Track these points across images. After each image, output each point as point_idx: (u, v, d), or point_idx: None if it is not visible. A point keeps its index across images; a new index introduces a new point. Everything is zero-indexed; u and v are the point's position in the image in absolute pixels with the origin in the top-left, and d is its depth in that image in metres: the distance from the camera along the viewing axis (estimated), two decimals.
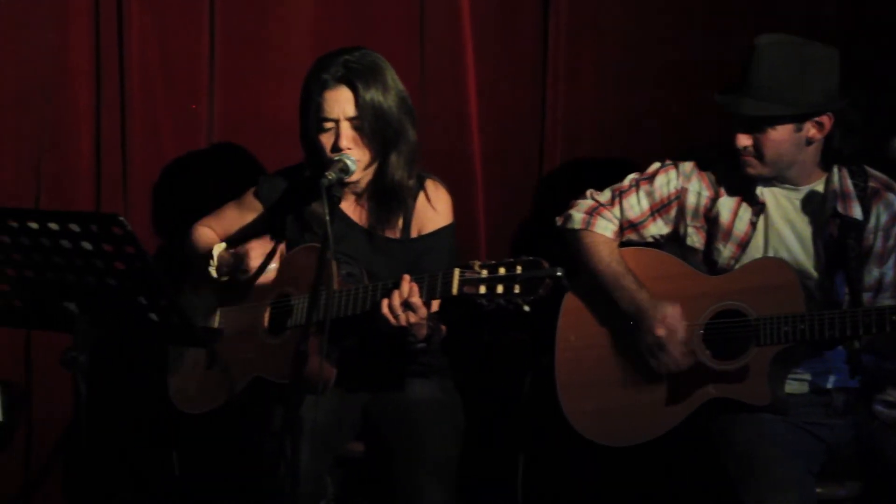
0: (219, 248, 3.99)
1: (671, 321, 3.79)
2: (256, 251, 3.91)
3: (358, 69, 3.79)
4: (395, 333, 3.64)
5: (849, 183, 3.82)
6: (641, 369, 3.90)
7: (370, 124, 3.79)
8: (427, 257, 3.88)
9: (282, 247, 3.91)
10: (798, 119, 3.74)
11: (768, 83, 3.72)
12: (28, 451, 4.54)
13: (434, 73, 4.56)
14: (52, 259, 3.18)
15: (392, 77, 3.85)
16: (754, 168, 3.80)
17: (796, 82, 3.71)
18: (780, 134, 3.74)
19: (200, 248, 4.10)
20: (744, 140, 3.77)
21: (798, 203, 3.86)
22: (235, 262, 3.93)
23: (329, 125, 3.81)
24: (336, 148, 3.79)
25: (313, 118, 3.83)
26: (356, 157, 3.78)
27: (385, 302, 3.59)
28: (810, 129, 3.75)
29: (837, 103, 3.75)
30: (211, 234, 4.13)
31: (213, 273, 3.97)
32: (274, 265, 3.90)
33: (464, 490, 3.90)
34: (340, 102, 3.78)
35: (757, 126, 3.74)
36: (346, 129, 3.79)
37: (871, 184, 3.82)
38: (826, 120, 3.75)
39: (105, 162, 4.54)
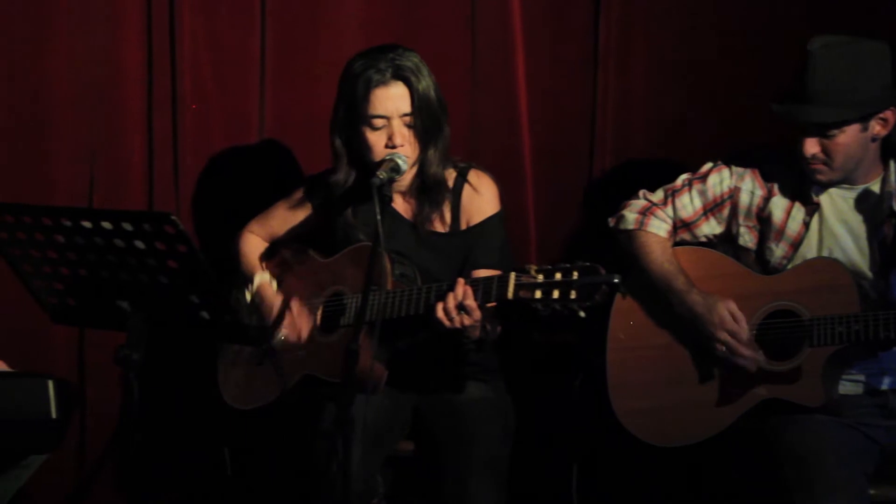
0: (262, 279, 4.01)
1: (730, 325, 3.77)
2: (290, 323, 3.92)
3: (408, 66, 3.79)
4: (450, 335, 3.63)
5: None
6: (693, 369, 3.88)
7: (422, 120, 3.79)
8: (478, 249, 3.88)
9: (308, 326, 3.92)
10: (864, 118, 3.69)
11: (828, 87, 3.67)
12: (82, 447, 4.61)
13: (485, 72, 4.56)
14: (106, 258, 3.19)
15: (429, 71, 3.85)
16: (824, 175, 3.76)
17: (855, 82, 3.67)
18: (848, 136, 3.70)
19: (244, 263, 4.13)
20: (812, 147, 3.72)
21: (853, 202, 3.82)
22: (266, 312, 3.96)
23: (380, 122, 3.79)
24: (389, 145, 3.78)
25: (361, 117, 3.81)
26: (407, 155, 3.78)
27: (440, 305, 3.58)
28: (875, 127, 3.72)
29: None
30: (257, 246, 4.15)
31: (248, 298, 3.99)
32: (298, 347, 3.91)
33: (515, 491, 3.91)
34: (394, 99, 3.77)
35: (823, 132, 3.70)
36: (399, 126, 3.78)
37: None
38: (890, 115, 3.71)
39: (157, 161, 4.58)
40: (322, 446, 3.75)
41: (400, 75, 3.77)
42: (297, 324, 3.92)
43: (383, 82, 3.77)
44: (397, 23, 4.53)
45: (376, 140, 3.80)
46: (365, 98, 3.79)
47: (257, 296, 4.00)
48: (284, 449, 4.20)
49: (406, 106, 3.77)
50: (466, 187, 3.92)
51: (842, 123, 3.68)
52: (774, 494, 3.67)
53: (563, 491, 4.14)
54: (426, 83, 3.79)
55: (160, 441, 4.39)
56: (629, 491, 4.34)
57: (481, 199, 3.92)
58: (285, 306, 3.94)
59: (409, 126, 3.79)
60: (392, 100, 3.77)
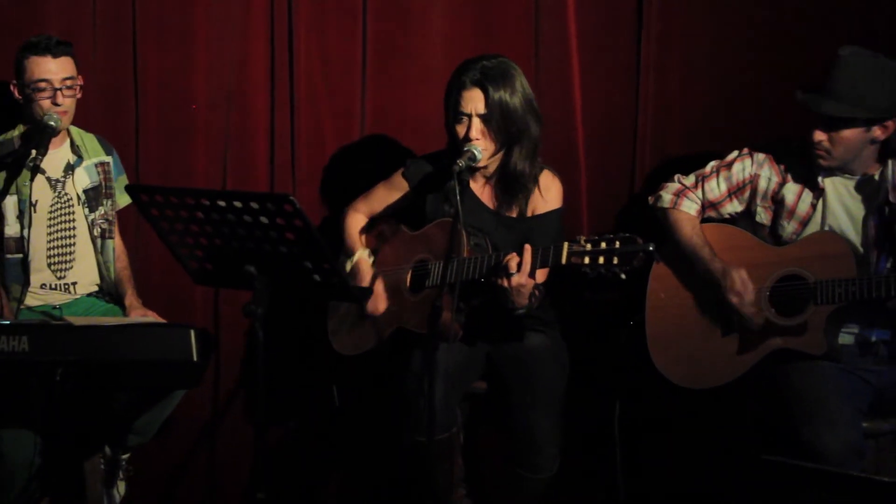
0: (361, 255, 4.07)
1: (739, 287, 3.82)
2: (379, 299, 3.97)
3: (491, 74, 3.85)
4: (500, 294, 3.69)
5: None
6: (718, 323, 3.91)
7: (497, 121, 3.85)
8: (537, 233, 3.92)
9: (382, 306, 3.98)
10: (868, 122, 3.71)
11: (848, 88, 3.67)
12: (216, 385, 4.65)
13: (546, 79, 4.54)
14: (237, 231, 3.26)
15: (521, 82, 3.89)
16: (825, 160, 3.78)
17: (872, 90, 3.67)
18: (852, 133, 3.71)
19: (348, 237, 4.17)
20: (820, 136, 3.74)
21: (853, 188, 3.85)
22: (359, 283, 4.00)
23: (464, 118, 3.88)
24: (466, 138, 3.86)
25: (452, 112, 3.91)
26: (482, 147, 3.86)
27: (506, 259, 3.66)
28: (876, 131, 3.74)
29: None
30: (359, 223, 4.18)
31: (347, 268, 4.06)
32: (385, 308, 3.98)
33: (568, 422, 3.94)
34: (473, 101, 3.85)
35: (833, 125, 3.71)
36: (476, 123, 3.85)
37: None
38: (891, 124, 3.73)
39: (277, 152, 4.62)
40: (412, 384, 3.83)
41: (480, 82, 3.84)
42: (376, 302, 3.98)
43: (465, 86, 3.86)
44: (473, 37, 4.54)
45: (460, 131, 3.89)
46: (454, 96, 3.89)
47: (355, 267, 4.06)
48: (381, 387, 4.22)
49: (482, 107, 3.84)
50: (537, 185, 3.99)
51: (849, 121, 3.69)
52: (783, 427, 3.69)
53: (607, 423, 4.13)
54: (507, 91, 3.83)
55: (281, 380, 4.36)
56: (663, 426, 4.35)
57: (547, 196, 3.98)
58: (372, 283, 3.99)
59: (485, 123, 3.87)
60: (472, 101, 3.85)
